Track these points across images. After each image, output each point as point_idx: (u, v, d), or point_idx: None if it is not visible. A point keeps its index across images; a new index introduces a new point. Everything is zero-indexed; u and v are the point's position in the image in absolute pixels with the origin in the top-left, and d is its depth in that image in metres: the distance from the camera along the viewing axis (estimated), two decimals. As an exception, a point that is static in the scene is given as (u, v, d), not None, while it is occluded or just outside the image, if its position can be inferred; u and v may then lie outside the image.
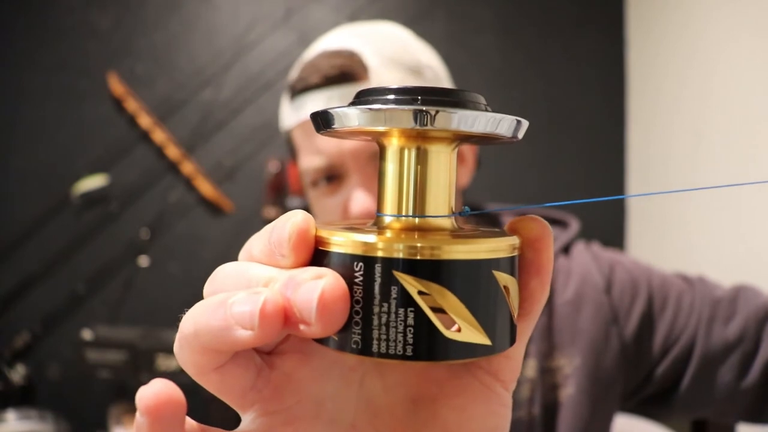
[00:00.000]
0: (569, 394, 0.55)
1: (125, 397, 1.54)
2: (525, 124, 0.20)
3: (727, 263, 1.44)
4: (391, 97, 0.18)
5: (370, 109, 0.18)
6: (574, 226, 0.64)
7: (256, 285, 0.19)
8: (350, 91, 0.53)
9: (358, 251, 0.18)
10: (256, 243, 0.20)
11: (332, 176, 0.56)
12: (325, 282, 0.17)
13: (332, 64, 0.53)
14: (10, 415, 1.52)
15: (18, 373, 1.71)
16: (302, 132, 0.57)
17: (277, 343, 0.22)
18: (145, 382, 0.19)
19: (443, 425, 0.21)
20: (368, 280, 0.18)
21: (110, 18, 1.84)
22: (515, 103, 1.96)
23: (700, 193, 1.57)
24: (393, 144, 0.20)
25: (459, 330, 0.18)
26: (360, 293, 0.18)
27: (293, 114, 0.58)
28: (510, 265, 0.19)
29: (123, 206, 1.83)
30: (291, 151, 0.63)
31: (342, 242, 0.19)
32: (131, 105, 1.80)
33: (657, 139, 1.82)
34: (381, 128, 0.18)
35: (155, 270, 1.84)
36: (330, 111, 0.19)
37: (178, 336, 0.20)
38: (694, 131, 1.60)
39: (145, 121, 1.81)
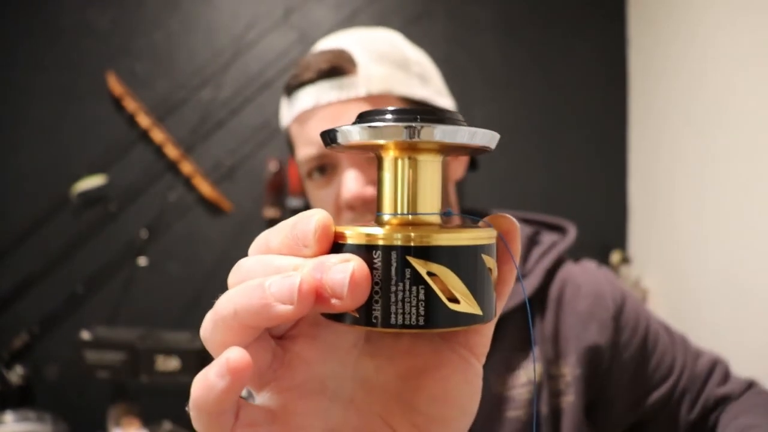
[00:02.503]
0: (570, 402, 0.57)
1: (124, 398, 1.53)
2: (496, 136, 0.24)
3: (726, 264, 1.44)
4: (387, 116, 0.23)
5: (369, 126, 0.22)
6: (572, 232, 0.65)
7: (284, 271, 0.22)
8: (340, 83, 0.56)
9: (376, 242, 0.22)
10: (273, 237, 0.23)
11: (325, 167, 0.58)
12: (354, 263, 0.21)
13: (323, 60, 0.57)
14: (9, 417, 1.51)
15: (16, 374, 1.71)
16: (297, 125, 0.59)
17: (287, 329, 0.25)
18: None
19: (429, 394, 0.25)
20: (385, 265, 0.22)
21: (109, 17, 1.84)
22: (515, 103, 1.95)
23: (700, 194, 1.57)
24: (389, 155, 0.24)
25: (458, 302, 0.22)
26: (378, 275, 0.22)
27: (289, 110, 0.60)
28: (492, 250, 0.24)
29: (122, 206, 1.82)
30: (290, 148, 0.65)
31: (358, 235, 0.22)
32: (130, 104, 1.80)
33: (658, 139, 1.82)
34: (378, 141, 0.23)
35: (154, 270, 1.83)
36: (336, 129, 0.23)
37: (212, 318, 0.22)
38: (695, 131, 1.60)
39: (144, 120, 1.80)
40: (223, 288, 0.24)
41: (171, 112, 1.83)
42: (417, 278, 0.22)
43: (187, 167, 1.82)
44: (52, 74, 1.81)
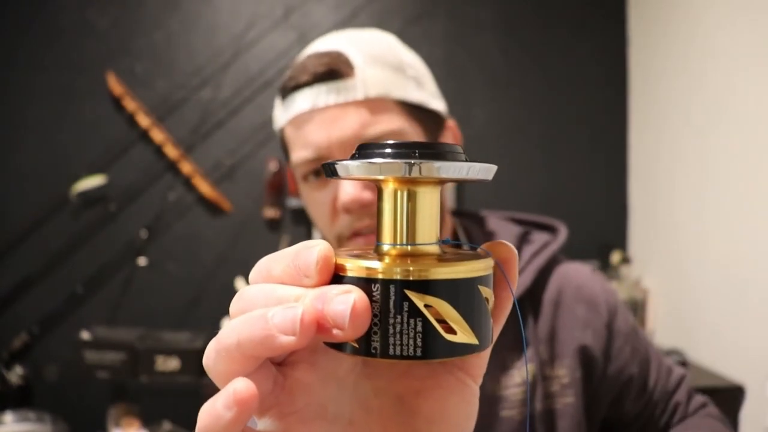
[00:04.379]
0: (569, 403, 0.57)
1: (124, 398, 1.53)
2: (493, 168, 0.24)
3: (726, 264, 1.44)
4: (387, 151, 0.23)
5: (369, 162, 0.23)
6: (563, 231, 0.66)
7: (286, 301, 0.22)
8: (338, 86, 0.55)
9: (375, 275, 0.22)
10: (274, 266, 0.24)
11: (321, 170, 0.57)
12: (356, 295, 0.21)
13: (320, 63, 0.56)
14: (8, 417, 1.51)
15: (16, 374, 1.71)
16: (293, 127, 0.59)
17: (288, 355, 0.26)
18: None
19: (426, 415, 0.26)
20: (384, 297, 0.22)
21: (109, 17, 1.84)
22: (515, 103, 1.95)
23: (700, 194, 1.57)
24: (388, 187, 0.25)
25: (455, 333, 0.23)
26: (377, 308, 0.22)
27: (284, 112, 0.60)
28: (489, 281, 0.24)
29: (121, 206, 1.82)
30: (284, 150, 0.64)
31: (358, 268, 0.23)
32: (130, 104, 1.80)
33: (658, 139, 1.82)
34: (378, 177, 0.23)
35: (154, 270, 1.83)
36: (337, 163, 0.24)
37: (215, 348, 0.23)
38: (695, 131, 1.60)
39: (143, 120, 1.80)
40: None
41: (171, 112, 1.83)
42: (414, 311, 0.22)
43: (187, 167, 1.82)
44: (52, 74, 1.81)
